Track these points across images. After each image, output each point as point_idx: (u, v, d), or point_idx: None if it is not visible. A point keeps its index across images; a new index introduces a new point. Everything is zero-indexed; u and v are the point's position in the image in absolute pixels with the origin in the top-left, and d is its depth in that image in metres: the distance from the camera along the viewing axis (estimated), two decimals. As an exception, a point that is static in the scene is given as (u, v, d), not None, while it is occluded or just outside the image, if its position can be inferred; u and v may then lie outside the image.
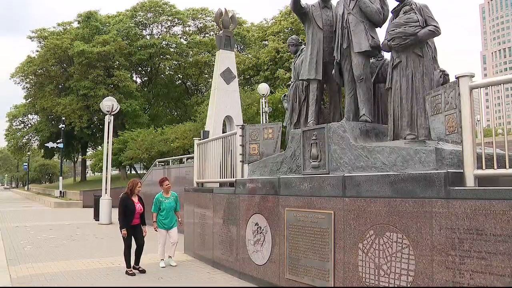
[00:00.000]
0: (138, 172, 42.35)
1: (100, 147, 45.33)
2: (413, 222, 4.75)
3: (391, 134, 6.12)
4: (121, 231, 8.32)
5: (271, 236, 7.09)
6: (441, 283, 4.41)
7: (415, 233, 4.73)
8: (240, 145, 8.54)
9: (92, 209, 20.62)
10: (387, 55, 7.26)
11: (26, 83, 45.48)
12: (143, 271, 8.31)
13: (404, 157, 5.22)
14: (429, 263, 4.56)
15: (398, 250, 4.89)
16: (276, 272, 6.92)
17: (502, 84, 4.45)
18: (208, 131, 13.39)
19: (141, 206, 8.52)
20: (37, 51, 43.48)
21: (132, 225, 8.37)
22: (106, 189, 18.77)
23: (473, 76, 4.59)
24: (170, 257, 9.19)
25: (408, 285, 4.75)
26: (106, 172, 19.26)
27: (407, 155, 5.18)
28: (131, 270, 8.22)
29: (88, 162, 53.96)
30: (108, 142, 19.33)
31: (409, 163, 5.14)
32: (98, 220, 18.57)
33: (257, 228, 7.43)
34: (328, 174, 6.23)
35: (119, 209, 8.38)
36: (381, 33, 10.84)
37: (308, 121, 7.65)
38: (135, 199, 8.50)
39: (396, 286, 4.89)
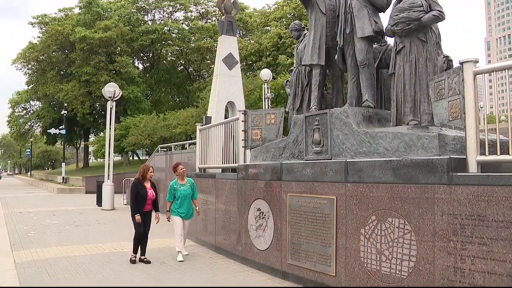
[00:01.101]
0: (141, 158, 42.52)
1: (102, 133, 45.41)
2: (415, 207, 4.76)
3: (393, 120, 6.10)
4: (133, 218, 8.03)
5: (273, 221, 7.11)
6: (443, 268, 4.43)
7: (417, 218, 4.74)
8: (242, 130, 8.54)
9: (95, 195, 20.70)
10: (390, 40, 7.21)
11: (28, 69, 45.37)
12: (148, 262, 7.96)
13: (406, 142, 5.21)
14: (431, 249, 4.57)
15: (400, 236, 4.91)
16: (278, 257, 6.97)
17: (506, 70, 4.42)
18: (210, 116, 13.38)
19: (153, 192, 8.23)
20: (39, 37, 43.26)
21: (144, 212, 8.12)
22: (108, 175, 18.83)
23: (477, 62, 4.56)
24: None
25: (410, 270, 4.78)
26: (109, 158, 19.30)
27: (410, 141, 5.17)
28: (134, 257, 8.03)
29: (91, 148, 54.11)
30: (110, 128, 19.35)
31: (412, 149, 5.13)
32: (101, 206, 18.65)
33: (259, 213, 7.46)
34: (331, 159, 6.23)
35: (131, 195, 8.17)
36: (385, 18, 10.75)
37: (311, 106, 7.64)
38: (147, 184, 8.22)
39: (397, 271, 4.92)
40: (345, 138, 6.10)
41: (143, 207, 8.07)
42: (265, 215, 7.35)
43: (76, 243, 10.07)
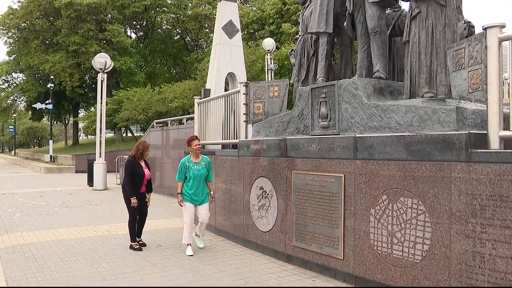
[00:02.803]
0: (135, 134, 42.54)
1: (93, 108, 45.19)
2: (430, 187, 4.73)
3: (407, 92, 6.01)
4: (125, 200, 7.85)
5: (277, 201, 7.12)
6: (460, 252, 4.41)
7: (431, 198, 4.71)
8: (243, 104, 8.51)
9: (86, 174, 20.82)
10: (405, 5, 7.08)
11: (8, 37, 44.54)
12: (143, 245, 7.95)
13: (421, 116, 5.14)
14: (447, 231, 4.55)
15: (413, 217, 4.89)
16: (282, 239, 6.99)
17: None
18: (209, 89, 13.32)
19: (148, 172, 8.07)
20: (19, 1, 42.44)
21: (140, 193, 7.90)
22: (100, 153, 18.85)
23: (503, 27, 4.42)
24: (197, 235, 8.00)
25: (424, 254, 4.77)
26: (100, 134, 19.28)
27: (425, 115, 5.10)
28: (137, 244, 7.84)
29: (81, 124, 54.03)
30: (101, 103, 19.28)
31: (427, 123, 5.06)
32: (92, 186, 18.78)
33: (262, 192, 7.45)
34: (338, 134, 6.19)
35: (126, 174, 7.83)
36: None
37: (317, 77, 7.57)
38: (142, 163, 8.05)
39: (410, 254, 4.92)
40: (354, 112, 6.04)
41: (139, 188, 7.89)
42: (268, 194, 7.35)
43: (65, 226, 10.12)
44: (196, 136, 8.06)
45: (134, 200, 7.68)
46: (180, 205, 7.61)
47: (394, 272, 5.10)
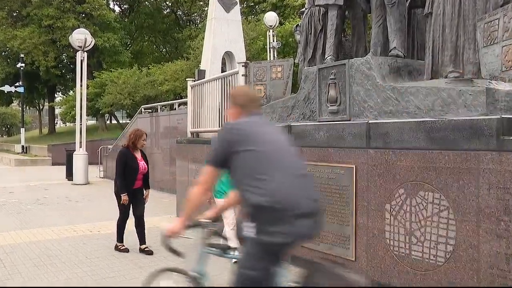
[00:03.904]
0: (120, 121, 42.54)
1: (71, 91, 45.08)
2: (454, 179, 4.70)
3: (428, 72, 5.97)
4: (116, 196, 7.69)
5: (280, 196, 7.10)
6: (490, 254, 4.39)
7: (456, 192, 4.69)
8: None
9: (64, 166, 20.80)
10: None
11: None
12: (149, 252, 7.59)
13: (444, 99, 5.11)
14: (474, 230, 4.53)
15: (435, 213, 4.88)
16: (286, 239, 6.98)
17: None
18: (204, 70, 13.25)
19: (145, 164, 7.82)
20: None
21: (134, 189, 7.68)
22: (80, 143, 18.85)
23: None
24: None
25: (447, 256, 4.76)
26: (81, 122, 19.26)
27: (449, 98, 5.06)
28: (123, 246, 7.76)
29: (58, 110, 53.97)
30: (81, 85, 19.21)
31: (451, 107, 5.03)
32: (72, 180, 18.77)
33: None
34: (349, 120, 6.18)
35: (117, 167, 7.67)
36: None
37: (326, 56, 7.56)
38: (137, 155, 7.77)
39: (432, 256, 4.92)
40: (367, 95, 6.01)
41: (133, 182, 7.65)
42: (270, 188, 7.34)
43: (40, 225, 10.08)
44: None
45: (124, 197, 7.53)
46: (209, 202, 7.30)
47: (413, 276, 5.10)
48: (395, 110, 5.64)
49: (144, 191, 7.90)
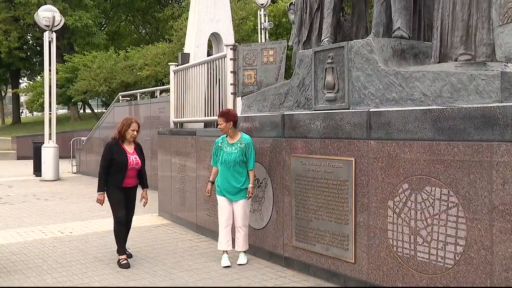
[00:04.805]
0: (95, 110, 42.37)
1: (39, 76, 44.75)
2: (464, 173, 4.71)
3: (436, 55, 5.96)
4: (107, 196, 7.31)
5: (272, 191, 7.14)
6: (505, 256, 4.40)
7: (466, 188, 4.70)
8: (231, 72, 8.53)
9: (31, 161, 20.71)
10: None
11: None
12: (129, 256, 7.41)
13: (453, 85, 5.11)
14: (487, 230, 4.55)
15: (443, 211, 4.90)
16: (279, 238, 7.02)
17: None
18: (189, 54, 13.20)
19: (138, 159, 7.37)
20: None
21: (124, 188, 7.29)
22: (50, 134, 18.78)
23: None
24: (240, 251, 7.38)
25: (457, 258, 4.78)
26: (50, 111, 19.16)
27: (458, 83, 5.07)
28: (124, 259, 7.19)
29: (23, 98, 53.55)
30: (50, 70, 19.08)
31: (461, 93, 5.03)
32: (40, 176, 18.72)
33: (254, 181, 7.45)
34: (348, 109, 6.17)
35: (101, 161, 7.29)
36: None
37: (322, 38, 7.55)
38: (129, 147, 7.36)
39: (439, 258, 4.94)
40: (368, 81, 6.01)
41: (121, 180, 7.24)
42: (261, 183, 7.38)
43: (3, 227, 10.03)
44: (230, 109, 7.76)
45: (99, 197, 7.23)
46: (207, 197, 7.57)
47: (418, 280, 5.12)
48: (399, 97, 5.65)
49: (142, 191, 7.60)
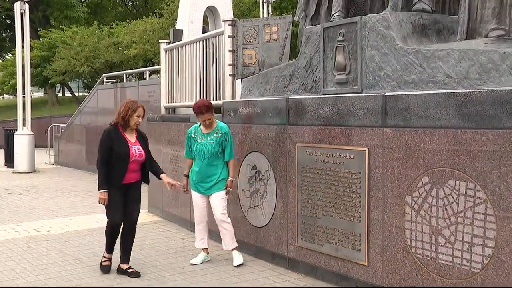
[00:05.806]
0: (76, 93, 42.36)
1: (10, 54, 44.69)
2: (494, 165, 4.68)
3: (463, 30, 5.93)
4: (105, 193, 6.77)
5: (276, 184, 7.15)
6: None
7: (496, 182, 4.67)
8: (229, 50, 8.53)
9: (2, 150, 20.72)
10: None
11: None
12: (134, 274, 6.84)
13: (483, 65, 5.08)
14: (521, 230, 4.55)
15: (468, 208, 4.88)
16: (283, 237, 7.04)
17: None
18: (181, 30, 13.20)
19: (141, 150, 6.91)
20: None
21: (125, 184, 6.81)
22: (24, 120, 18.77)
23: None
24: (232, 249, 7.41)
25: (485, 261, 4.76)
26: (23, 93, 19.15)
27: (489, 62, 5.03)
28: (107, 259, 7.00)
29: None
30: (23, 47, 19.02)
31: (491, 74, 5.00)
32: (13, 168, 18.75)
33: (255, 173, 7.48)
34: (361, 92, 6.17)
35: (98, 152, 6.81)
36: None
37: (332, 13, 7.51)
38: (130, 136, 6.89)
39: (465, 261, 4.92)
40: (384, 61, 5.99)
41: (122, 174, 6.78)
42: (263, 175, 7.38)
43: (-30, 225, 10.03)
44: (206, 101, 7.78)
45: (102, 196, 6.71)
46: (184, 191, 7.62)
47: (441, 285, 5.11)
48: (419, 79, 5.62)
49: (162, 178, 7.20)
